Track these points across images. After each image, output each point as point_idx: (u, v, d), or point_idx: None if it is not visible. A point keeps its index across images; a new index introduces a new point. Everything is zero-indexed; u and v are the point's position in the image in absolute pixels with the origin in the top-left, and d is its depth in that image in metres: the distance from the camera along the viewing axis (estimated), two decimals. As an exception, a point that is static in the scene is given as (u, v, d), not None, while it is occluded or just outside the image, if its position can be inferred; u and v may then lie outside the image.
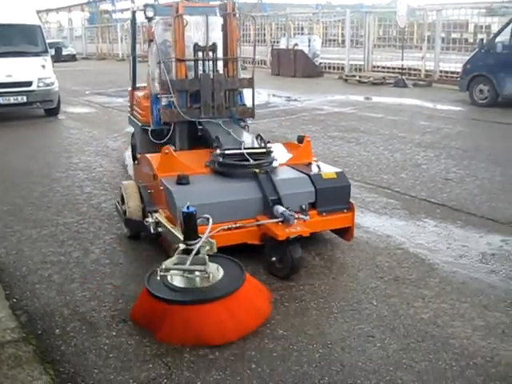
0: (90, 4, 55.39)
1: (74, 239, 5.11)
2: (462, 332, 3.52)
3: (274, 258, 4.25)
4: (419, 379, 3.04)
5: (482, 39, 14.48)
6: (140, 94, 6.90)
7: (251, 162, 4.64)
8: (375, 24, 21.24)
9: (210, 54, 5.71)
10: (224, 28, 5.89)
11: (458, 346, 3.36)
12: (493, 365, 3.17)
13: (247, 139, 5.04)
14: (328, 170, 4.89)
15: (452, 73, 17.41)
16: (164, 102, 5.78)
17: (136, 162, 5.72)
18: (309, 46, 22.32)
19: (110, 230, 5.32)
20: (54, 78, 12.30)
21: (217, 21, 5.95)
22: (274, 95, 16.41)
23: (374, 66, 21.03)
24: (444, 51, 18.75)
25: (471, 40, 22.19)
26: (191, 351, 3.29)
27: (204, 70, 5.69)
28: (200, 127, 5.50)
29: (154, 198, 4.78)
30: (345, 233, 4.80)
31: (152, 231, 4.37)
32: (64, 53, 25.23)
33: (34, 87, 11.82)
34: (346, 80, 19.92)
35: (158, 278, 3.48)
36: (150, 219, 4.40)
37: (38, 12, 19.57)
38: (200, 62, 5.68)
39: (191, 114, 5.62)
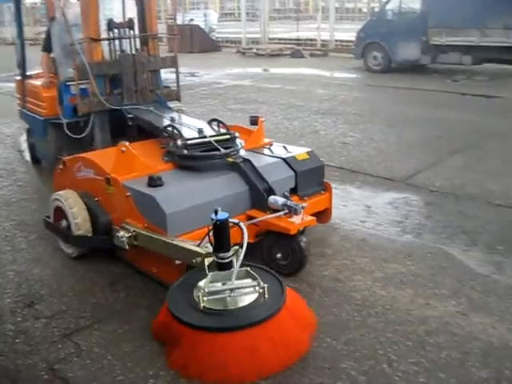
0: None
1: (-30, 229, 4.85)
2: (362, 285, 3.66)
3: (279, 255, 3.84)
4: (324, 332, 3.12)
5: (373, 7, 14.97)
6: (36, 82, 6.11)
7: (222, 150, 4.06)
8: (270, -4, 21.44)
9: (127, 31, 5.15)
10: (140, 1, 5.30)
11: (360, 297, 3.49)
12: (392, 311, 3.33)
13: (201, 125, 4.46)
14: (298, 151, 4.45)
15: (347, 42, 17.81)
16: (73, 89, 5.03)
17: (60, 167, 4.42)
18: (205, 20, 22.15)
19: (8, 217, 5.12)
20: None
21: None
22: (171, 71, 16.05)
23: (271, 39, 21.20)
24: (339, 21, 19.20)
25: (365, 10, 22.87)
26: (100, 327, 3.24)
27: (122, 50, 5.12)
28: (130, 116, 4.88)
29: (105, 207, 3.99)
30: (322, 215, 4.39)
31: (126, 247, 3.67)
32: None
33: None
34: (244, 53, 19.95)
35: (202, 306, 2.91)
36: (122, 233, 3.66)
37: None
38: (117, 42, 5.11)
39: (113, 101, 4.98)
